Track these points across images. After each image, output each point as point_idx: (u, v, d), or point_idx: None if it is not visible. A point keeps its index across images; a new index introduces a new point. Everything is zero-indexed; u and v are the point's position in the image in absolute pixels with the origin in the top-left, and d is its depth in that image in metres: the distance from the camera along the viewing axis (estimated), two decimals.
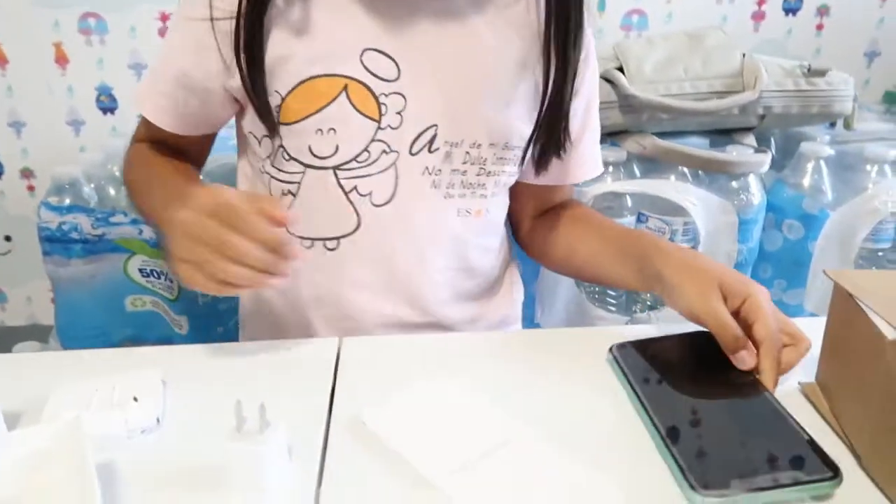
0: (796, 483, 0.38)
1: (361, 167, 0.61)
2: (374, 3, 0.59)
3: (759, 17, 1.38)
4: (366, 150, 0.61)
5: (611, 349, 0.53)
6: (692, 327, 0.54)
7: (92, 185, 1.01)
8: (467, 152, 0.62)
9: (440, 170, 0.62)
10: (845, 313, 0.47)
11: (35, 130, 1.39)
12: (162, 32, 1.33)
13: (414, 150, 0.61)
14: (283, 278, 0.50)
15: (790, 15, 1.38)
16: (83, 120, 1.39)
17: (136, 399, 0.48)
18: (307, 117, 0.60)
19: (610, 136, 1.01)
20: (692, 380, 0.49)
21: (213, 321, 0.99)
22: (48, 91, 1.36)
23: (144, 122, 0.67)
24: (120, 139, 1.11)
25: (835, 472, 0.38)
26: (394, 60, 0.59)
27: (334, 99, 0.59)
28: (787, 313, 1.01)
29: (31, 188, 1.43)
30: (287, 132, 0.61)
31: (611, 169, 0.96)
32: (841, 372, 0.47)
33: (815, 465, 0.39)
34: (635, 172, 0.99)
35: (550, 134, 0.63)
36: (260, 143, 0.63)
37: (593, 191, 0.95)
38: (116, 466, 0.44)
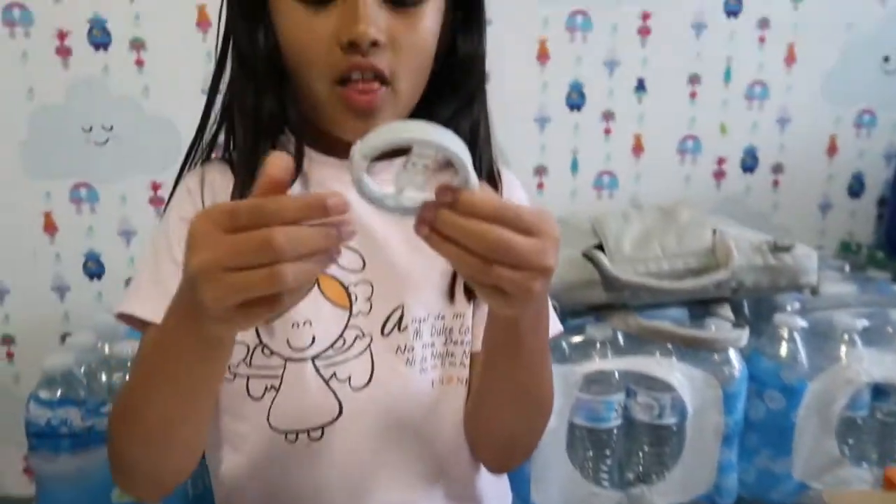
0: None
1: (338, 354, 0.63)
2: None
3: (719, 175, 1.48)
4: (341, 337, 0.63)
5: None
6: None
7: (82, 369, 1.01)
8: (433, 325, 0.65)
9: (412, 347, 0.64)
10: None
11: (18, 296, 1.39)
12: (153, 202, 1.37)
13: (385, 332, 0.64)
14: (338, 252, 0.44)
15: (748, 173, 1.48)
16: (68, 286, 1.39)
17: None
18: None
19: (595, 310, 1.05)
20: None
21: None
22: (33, 258, 1.37)
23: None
24: (109, 315, 1.12)
25: None
26: (359, 253, 0.64)
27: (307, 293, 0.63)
28: (777, 482, 1.04)
29: (9, 355, 1.41)
30: (267, 329, 0.63)
31: (598, 346, 1.00)
32: None
33: None
34: (621, 345, 1.02)
35: None
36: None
37: (582, 369, 0.98)
38: None
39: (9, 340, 1.41)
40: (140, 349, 0.64)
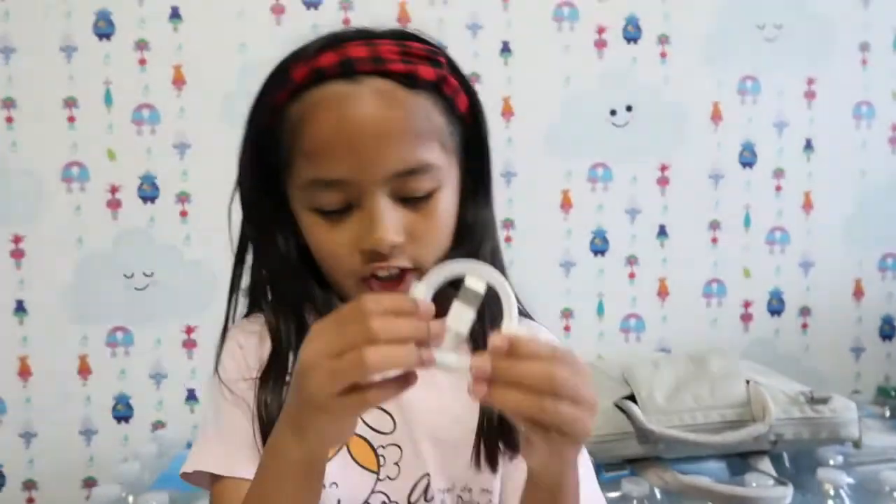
0: None
1: None
2: None
3: (746, 318, 1.48)
4: (366, 502, 0.61)
5: None
6: None
7: None
8: (459, 496, 0.63)
9: None
10: None
11: (45, 441, 1.39)
12: (186, 345, 1.39)
13: (412, 500, 0.62)
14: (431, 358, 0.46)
15: (775, 316, 1.48)
16: (96, 429, 1.39)
17: None
18: None
19: (629, 463, 1.03)
20: None
21: None
22: (65, 401, 1.38)
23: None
24: (133, 463, 1.11)
25: None
26: (389, 414, 0.63)
27: (336, 454, 0.61)
28: None
29: (30, 501, 1.39)
30: None
31: (634, 503, 0.96)
32: None
33: None
34: (658, 500, 0.99)
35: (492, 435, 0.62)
36: None
37: None
38: None
39: (31, 486, 1.39)
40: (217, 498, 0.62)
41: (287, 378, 0.62)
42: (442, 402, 0.65)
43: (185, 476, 0.63)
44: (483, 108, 0.64)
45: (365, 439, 0.63)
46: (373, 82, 0.58)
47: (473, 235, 0.66)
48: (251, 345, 0.65)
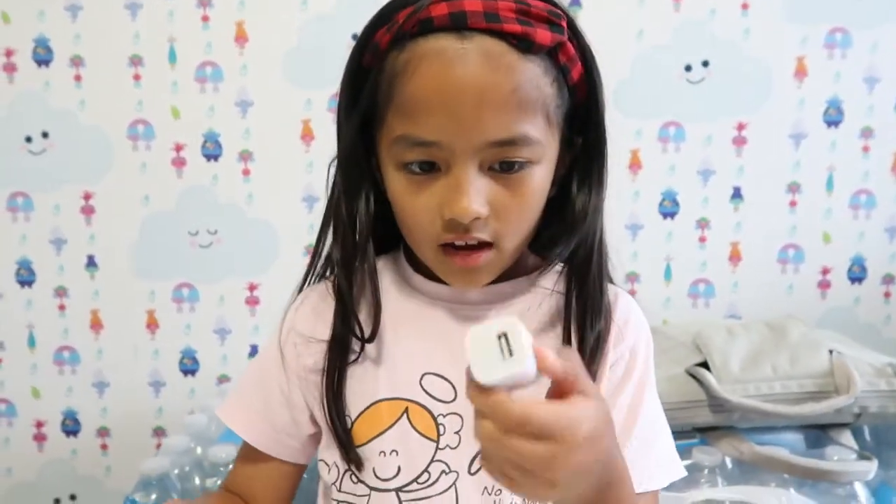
0: None
1: (422, 488, 0.60)
2: (432, 331, 0.63)
3: (824, 285, 1.41)
4: (426, 470, 0.61)
5: None
6: None
7: (176, 472, 1.01)
8: None
9: (500, 490, 0.60)
10: None
11: (117, 391, 1.44)
12: (249, 302, 1.41)
13: (472, 470, 0.61)
14: None
15: (856, 284, 1.41)
16: (164, 381, 1.43)
17: None
18: (371, 440, 0.61)
19: (700, 432, 0.99)
20: None
21: None
22: (134, 354, 1.42)
23: (238, 463, 0.69)
24: (200, 416, 1.14)
25: None
26: (451, 383, 0.61)
27: (396, 421, 0.61)
28: None
29: (104, 447, 1.45)
30: (356, 455, 0.62)
31: (706, 472, 0.93)
32: None
33: None
34: (730, 470, 0.95)
35: None
36: (329, 469, 0.64)
37: (690, 497, 0.91)
38: None
39: (104, 433, 1.45)
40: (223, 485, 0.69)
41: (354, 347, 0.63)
42: None
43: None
44: (600, 79, 0.58)
45: (425, 408, 0.61)
46: (483, 41, 0.53)
47: (574, 219, 0.60)
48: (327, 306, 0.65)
